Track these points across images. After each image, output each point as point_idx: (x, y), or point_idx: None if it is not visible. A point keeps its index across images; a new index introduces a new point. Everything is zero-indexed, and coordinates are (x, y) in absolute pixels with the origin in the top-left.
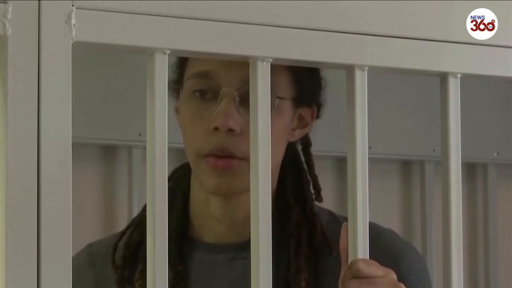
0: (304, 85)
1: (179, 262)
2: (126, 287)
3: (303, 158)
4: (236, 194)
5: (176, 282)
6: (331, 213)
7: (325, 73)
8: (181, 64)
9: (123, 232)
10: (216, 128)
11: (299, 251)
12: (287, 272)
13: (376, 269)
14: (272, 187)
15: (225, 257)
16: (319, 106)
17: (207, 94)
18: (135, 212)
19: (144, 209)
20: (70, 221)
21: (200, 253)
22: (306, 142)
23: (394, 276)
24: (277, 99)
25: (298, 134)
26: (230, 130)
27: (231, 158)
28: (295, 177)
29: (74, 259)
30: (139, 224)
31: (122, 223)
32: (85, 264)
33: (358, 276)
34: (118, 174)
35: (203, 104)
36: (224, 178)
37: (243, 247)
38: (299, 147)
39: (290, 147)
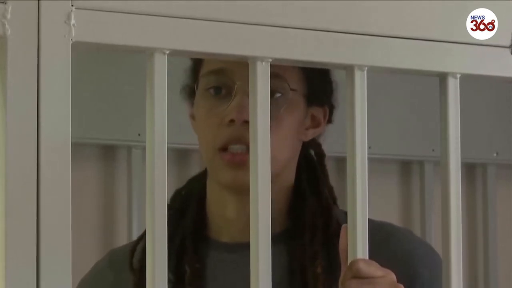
0: (315, 83)
1: (196, 259)
2: None
3: (318, 168)
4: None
5: (193, 280)
6: (345, 213)
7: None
8: (196, 66)
9: (141, 236)
10: (232, 121)
11: (315, 237)
12: (302, 258)
13: (376, 269)
14: (289, 181)
15: (240, 256)
16: (331, 108)
17: (222, 91)
18: (135, 212)
19: None
20: (69, 221)
21: (217, 252)
22: (320, 153)
23: (393, 276)
24: (291, 92)
25: (311, 134)
26: (246, 122)
27: (247, 152)
28: (311, 174)
29: (96, 264)
30: None
31: (121, 223)
32: (105, 268)
33: (358, 276)
34: (118, 174)
35: (218, 101)
36: (240, 172)
37: None
38: (313, 156)
39: (305, 152)
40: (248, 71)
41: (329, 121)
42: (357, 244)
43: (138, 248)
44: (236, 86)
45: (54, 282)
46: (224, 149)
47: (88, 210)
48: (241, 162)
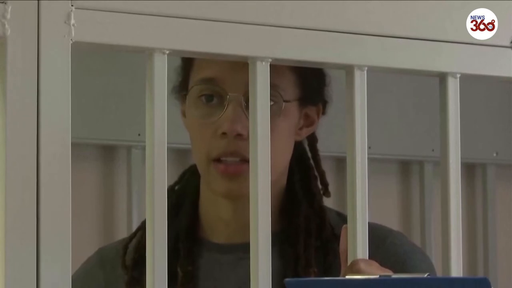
0: (309, 84)
1: (188, 262)
2: (136, 287)
3: (309, 154)
4: (245, 197)
5: (185, 282)
6: (338, 213)
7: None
8: (186, 67)
9: (134, 234)
10: (224, 133)
11: (308, 244)
12: (296, 265)
13: (376, 269)
14: (281, 184)
15: (233, 257)
16: (324, 103)
17: (213, 99)
18: (134, 212)
19: None
20: (69, 221)
21: (209, 253)
22: (312, 138)
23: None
24: (284, 103)
25: (305, 133)
26: (238, 135)
27: (241, 163)
28: (303, 174)
29: (85, 262)
30: None
31: (121, 223)
32: (96, 267)
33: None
34: (117, 174)
35: (210, 109)
36: (235, 183)
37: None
38: (305, 143)
39: (297, 144)
40: (240, 79)
41: (323, 113)
42: (357, 244)
43: (130, 246)
44: (228, 97)
45: (54, 281)
46: (217, 160)
47: (88, 210)
48: (235, 173)
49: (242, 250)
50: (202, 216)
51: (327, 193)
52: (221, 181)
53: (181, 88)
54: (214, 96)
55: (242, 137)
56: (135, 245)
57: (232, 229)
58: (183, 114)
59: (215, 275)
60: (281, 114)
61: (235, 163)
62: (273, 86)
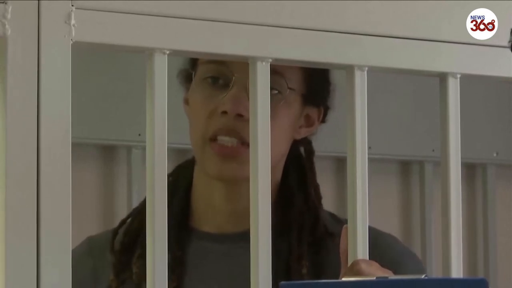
0: (314, 84)
1: (178, 247)
2: (123, 271)
3: (306, 165)
4: (239, 181)
5: (174, 267)
6: (331, 214)
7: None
8: None
9: (123, 221)
10: (225, 112)
11: (301, 238)
12: (288, 258)
13: (376, 270)
14: (276, 179)
15: (223, 247)
16: (326, 109)
17: (219, 80)
18: None
19: (145, 200)
20: (69, 221)
21: (199, 241)
22: (309, 150)
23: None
24: (288, 90)
25: (303, 132)
26: (239, 115)
27: (237, 146)
28: (299, 172)
29: (74, 250)
30: (139, 213)
31: None
32: (84, 254)
33: (359, 276)
34: (118, 175)
35: (214, 91)
36: (228, 164)
37: (241, 237)
38: (303, 152)
39: (295, 150)
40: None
41: (323, 121)
42: (357, 244)
43: (119, 231)
44: (233, 78)
45: (54, 281)
46: (213, 139)
47: (88, 211)
48: (230, 155)
49: (231, 240)
50: (194, 205)
51: (320, 205)
52: (215, 161)
53: (187, 73)
54: (220, 78)
55: (242, 118)
56: (125, 230)
57: (224, 218)
58: (186, 102)
59: (204, 263)
60: (283, 102)
61: (231, 145)
62: (279, 74)
